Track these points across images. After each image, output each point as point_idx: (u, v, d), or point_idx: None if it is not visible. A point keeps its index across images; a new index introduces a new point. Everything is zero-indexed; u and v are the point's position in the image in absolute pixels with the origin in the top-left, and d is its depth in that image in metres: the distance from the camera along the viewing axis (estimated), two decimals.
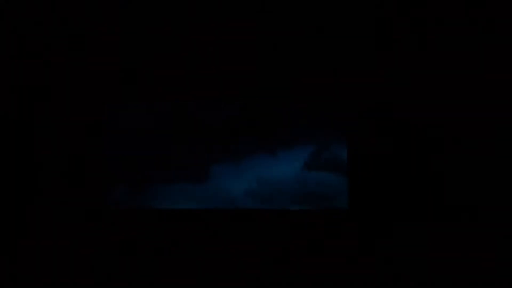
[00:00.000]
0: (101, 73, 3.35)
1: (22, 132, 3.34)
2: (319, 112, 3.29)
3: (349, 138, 3.25)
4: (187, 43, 3.33)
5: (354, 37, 3.25)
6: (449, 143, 3.16)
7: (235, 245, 3.22)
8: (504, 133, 3.13)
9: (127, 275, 3.21)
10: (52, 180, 3.32)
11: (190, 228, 3.27)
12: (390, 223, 3.17)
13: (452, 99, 3.18)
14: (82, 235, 3.28)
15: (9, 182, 3.32)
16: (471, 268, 3.05)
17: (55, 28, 3.36)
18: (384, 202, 3.19)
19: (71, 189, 3.31)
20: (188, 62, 3.33)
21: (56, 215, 3.31)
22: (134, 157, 3.35)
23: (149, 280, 3.19)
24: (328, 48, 3.27)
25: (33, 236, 3.29)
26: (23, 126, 3.35)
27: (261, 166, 3.31)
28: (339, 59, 3.26)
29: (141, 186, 3.35)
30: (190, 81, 3.32)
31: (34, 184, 3.33)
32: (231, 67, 3.30)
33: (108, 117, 3.36)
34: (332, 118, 3.29)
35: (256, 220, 3.26)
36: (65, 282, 3.19)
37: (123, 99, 3.36)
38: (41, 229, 3.30)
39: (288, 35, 3.29)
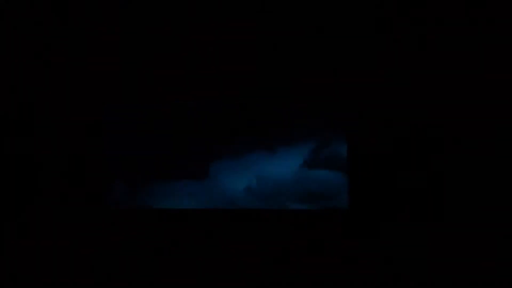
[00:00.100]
0: (101, 73, 3.35)
1: (22, 132, 3.35)
2: (319, 112, 3.29)
3: (349, 136, 3.25)
4: (187, 43, 3.33)
5: (354, 37, 3.25)
6: (449, 143, 3.16)
7: (235, 245, 3.22)
8: (504, 133, 3.13)
9: (127, 275, 3.21)
10: (52, 180, 3.32)
11: (190, 228, 3.28)
12: (390, 223, 3.17)
13: (452, 99, 3.18)
14: (82, 235, 3.28)
15: (9, 182, 3.33)
16: (471, 268, 3.05)
17: (55, 28, 3.36)
18: (384, 201, 3.19)
19: (71, 189, 3.32)
20: (188, 62, 3.33)
21: (56, 215, 3.31)
22: (134, 156, 3.35)
23: (149, 280, 3.19)
24: (328, 48, 3.27)
25: (33, 236, 3.29)
26: (23, 126, 3.35)
27: (261, 164, 3.31)
28: (339, 59, 3.26)
29: (141, 185, 3.35)
30: (190, 81, 3.32)
31: (34, 184, 3.33)
32: (231, 67, 3.30)
33: (108, 117, 3.36)
34: (332, 117, 3.29)
35: (256, 220, 3.26)
36: (65, 282, 3.19)
37: (123, 99, 3.36)
38: (41, 229, 3.30)
39: (288, 35, 3.29)
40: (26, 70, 3.36)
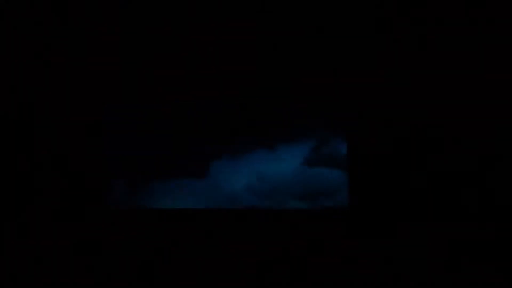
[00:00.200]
0: (101, 73, 3.35)
1: (22, 132, 3.35)
2: (319, 112, 3.30)
3: (349, 135, 3.25)
4: (187, 43, 3.33)
5: (354, 37, 3.25)
6: (448, 142, 3.16)
7: (235, 244, 3.22)
8: (504, 133, 3.13)
9: (127, 275, 3.21)
10: (52, 180, 3.32)
11: (190, 227, 3.28)
12: (390, 222, 3.17)
13: (452, 99, 3.18)
14: (82, 235, 3.28)
15: (9, 182, 3.32)
16: (472, 268, 3.05)
17: (55, 28, 3.36)
18: (384, 199, 3.19)
19: (71, 189, 3.32)
20: (188, 62, 3.33)
21: (56, 215, 3.31)
22: (134, 155, 3.35)
23: (149, 280, 3.19)
24: (328, 48, 3.27)
25: (33, 236, 3.29)
26: (23, 126, 3.35)
27: (261, 162, 3.32)
28: (339, 59, 3.26)
29: (141, 184, 3.35)
30: (190, 81, 3.32)
31: (34, 184, 3.33)
32: (231, 67, 3.30)
33: (108, 117, 3.36)
34: (332, 116, 3.29)
35: (256, 219, 3.26)
36: (65, 282, 3.19)
37: (123, 99, 3.36)
38: (41, 229, 3.30)
39: (288, 35, 3.29)
40: (26, 70, 3.36)
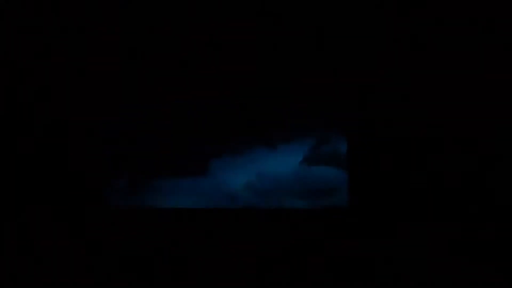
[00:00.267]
0: (101, 73, 3.35)
1: (22, 132, 3.35)
2: (319, 112, 3.30)
3: (349, 134, 3.25)
4: (187, 43, 3.33)
5: (354, 37, 3.25)
6: (448, 142, 3.16)
7: (235, 244, 3.22)
8: (504, 133, 3.13)
9: (127, 275, 3.21)
10: (52, 179, 3.32)
11: (190, 227, 3.28)
12: (390, 222, 3.17)
13: (452, 99, 3.18)
14: (82, 235, 3.28)
15: (9, 182, 3.33)
16: (472, 268, 3.05)
17: (55, 28, 3.36)
18: (384, 199, 3.19)
19: (71, 188, 3.32)
20: (188, 62, 3.33)
21: (56, 215, 3.31)
22: (134, 153, 3.36)
23: (149, 280, 3.19)
24: (328, 48, 3.27)
25: (33, 236, 3.29)
26: (23, 126, 3.35)
27: (261, 161, 3.32)
28: (339, 59, 3.26)
29: (141, 181, 3.36)
30: (190, 81, 3.32)
31: (34, 184, 3.33)
32: (231, 67, 3.30)
33: (108, 117, 3.36)
34: (332, 116, 3.29)
35: (256, 219, 3.26)
36: (65, 282, 3.19)
37: (123, 99, 3.36)
38: (41, 229, 3.30)
39: (288, 35, 3.29)
40: (26, 70, 3.36)
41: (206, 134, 3.35)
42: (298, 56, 3.28)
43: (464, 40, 3.19)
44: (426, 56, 3.21)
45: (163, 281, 3.19)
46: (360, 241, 3.17)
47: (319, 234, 3.21)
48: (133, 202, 3.37)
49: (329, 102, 3.28)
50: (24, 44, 3.37)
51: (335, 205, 3.24)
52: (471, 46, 3.18)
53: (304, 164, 3.30)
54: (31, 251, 3.26)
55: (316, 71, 3.27)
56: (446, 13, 3.20)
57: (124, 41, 3.35)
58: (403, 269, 3.11)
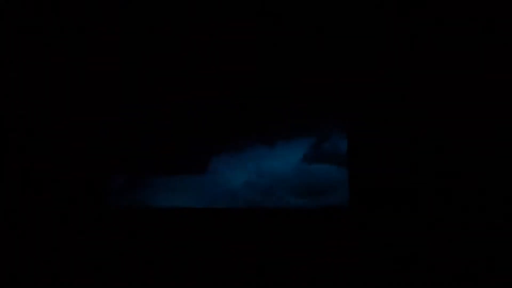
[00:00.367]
0: (101, 73, 3.35)
1: (22, 132, 3.35)
2: (319, 112, 3.30)
3: (349, 132, 3.25)
4: (187, 43, 3.33)
5: (354, 37, 3.25)
6: (448, 142, 3.16)
7: (235, 244, 3.22)
8: (504, 133, 3.13)
9: (127, 275, 3.21)
10: (51, 179, 3.32)
11: (190, 226, 3.27)
12: (390, 221, 3.17)
13: (452, 99, 3.18)
14: (82, 235, 3.28)
15: (9, 182, 3.32)
16: (472, 268, 3.05)
17: (55, 28, 3.36)
18: (385, 197, 3.18)
19: (71, 188, 3.32)
20: (188, 62, 3.33)
21: (56, 215, 3.31)
22: (134, 153, 3.36)
23: (149, 280, 3.19)
24: (328, 48, 3.27)
25: (33, 236, 3.29)
26: (23, 126, 3.35)
27: (261, 158, 3.32)
28: (339, 59, 3.26)
29: (141, 181, 3.36)
30: (190, 81, 3.32)
31: (34, 184, 3.33)
32: (231, 67, 3.30)
33: (108, 117, 3.36)
34: (332, 116, 3.29)
35: (255, 218, 3.26)
36: (65, 282, 3.19)
37: (123, 99, 3.36)
38: (41, 229, 3.30)
39: (288, 35, 3.29)
40: (26, 70, 3.36)
41: (206, 133, 3.35)
42: (298, 56, 3.28)
43: (464, 40, 3.19)
44: (426, 56, 3.21)
45: (163, 281, 3.19)
46: (360, 240, 3.17)
47: (318, 232, 3.21)
48: (133, 202, 3.37)
49: (329, 101, 3.28)
50: (24, 44, 3.36)
51: (336, 204, 3.24)
52: (471, 46, 3.18)
53: (305, 162, 3.30)
54: (31, 251, 3.26)
55: (316, 71, 3.27)
56: (446, 13, 3.20)
57: (124, 41, 3.34)
58: (403, 269, 3.11)
